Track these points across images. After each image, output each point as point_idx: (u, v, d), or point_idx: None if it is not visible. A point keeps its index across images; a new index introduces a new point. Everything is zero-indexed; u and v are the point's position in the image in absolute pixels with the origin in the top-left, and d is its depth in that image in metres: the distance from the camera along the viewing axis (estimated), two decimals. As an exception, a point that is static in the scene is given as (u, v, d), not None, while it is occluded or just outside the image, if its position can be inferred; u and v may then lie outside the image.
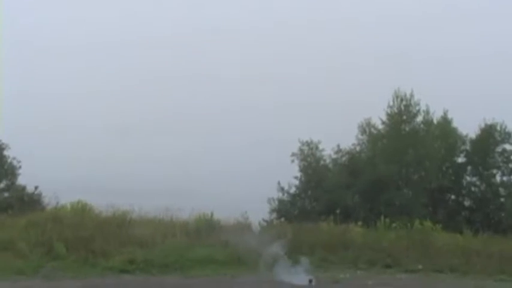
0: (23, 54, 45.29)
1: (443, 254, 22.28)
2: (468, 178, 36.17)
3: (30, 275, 18.24)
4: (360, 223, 26.43)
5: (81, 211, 24.60)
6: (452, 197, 36.29)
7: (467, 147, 36.29)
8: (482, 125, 35.64)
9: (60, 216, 23.07)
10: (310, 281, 18.03)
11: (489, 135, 35.59)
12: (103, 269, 19.23)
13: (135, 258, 19.86)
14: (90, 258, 19.71)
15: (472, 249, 22.70)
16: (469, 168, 36.10)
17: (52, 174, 33.47)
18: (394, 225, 25.81)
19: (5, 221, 22.48)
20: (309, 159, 35.38)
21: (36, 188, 29.94)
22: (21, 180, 31.25)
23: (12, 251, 19.57)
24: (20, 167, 31.57)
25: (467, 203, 36.12)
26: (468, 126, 35.86)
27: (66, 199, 25.96)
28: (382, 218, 26.32)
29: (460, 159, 36.43)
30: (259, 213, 30.62)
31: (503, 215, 34.15)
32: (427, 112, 35.29)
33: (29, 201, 29.10)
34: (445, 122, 36.30)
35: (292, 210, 34.12)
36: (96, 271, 19.06)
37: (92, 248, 20.19)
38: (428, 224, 26.19)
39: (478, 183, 35.84)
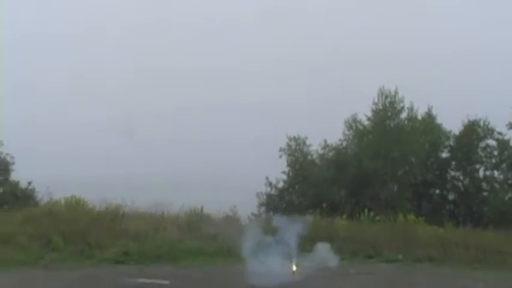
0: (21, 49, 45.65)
1: (423, 245, 23.17)
2: (452, 173, 36.90)
3: (30, 265, 19.17)
4: (345, 216, 27.30)
5: (75, 206, 25.32)
6: (437, 191, 37.02)
7: (451, 142, 37.04)
8: (466, 121, 36.45)
9: (55, 211, 23.86)
10: (295, 268, 18.89)
11: (472, 131, 36.29)
12: (99, 260, 20.12)
13: (129, 250, 20.73)
14: (86, 250, 20.63)
15: (451, 240, 23.57)
16: (453, 163, 36.84)
17: (44, 170, 34.03)
18: (377, 218, 26.69)
19: (1, 216, 23.19)
20: (296, 154, 36.02)
21: (29, 183, 30.12)
22: (14, 176, 31.65)
23: (12, 243, 20.42)
24: (13, 163, 31.88)
25: (451, 197, 36.82)
26: (452, 123, 36.74)
27: (59, 194, 26.64)
28: (366, 211, 27.19)
29: (444, 155, 37.14)
30: (248, 207, 31.43)
31: (485, 208, 34.71)
32: (411, 109, 36.07)
33: (22, 197, 29.53)
34: (430, 118, 37.07)
35: (280, 204, 34.81)
36: (93, 262, 19.95)
37: (87, 241, 21.10)
38: (411, 217, 27.06)
39: (461, 177, 36.57)
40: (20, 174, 30.93)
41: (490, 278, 20.02)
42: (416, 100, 36.10)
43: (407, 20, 49.99)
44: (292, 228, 19.78)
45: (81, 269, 19.06)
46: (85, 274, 18.46)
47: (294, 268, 18.98)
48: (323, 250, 20.17)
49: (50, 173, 33.77)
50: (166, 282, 17.59)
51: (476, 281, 19.52)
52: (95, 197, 25.63)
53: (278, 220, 21.19)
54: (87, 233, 21.58)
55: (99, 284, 17.72)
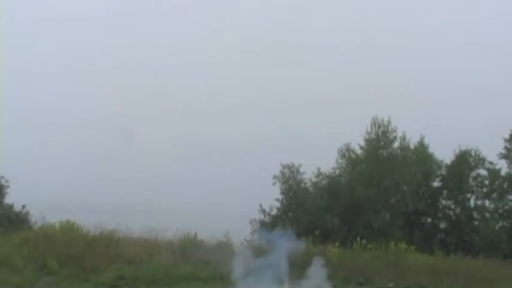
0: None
1: (414, 273, 23.54)
2: (443, 202, 37.09)
3: (27, 288, 19.42)
4: (337, 244, 27.55)
5: (70, 230, 25.55)
6: (428, 220, 37.21)
7: (443, 172, 37.33)
8: (457, 151, 36.80)
9: (50, 235, 24.09)
10: None
11: (464, 160, 36.56)
12: (94, 284, 20.43)
13: (124, 274, 21.02)
14: (82, 274, 20.88)
15: (441, 268, 23.97)
16: (444, 192, 37.08)
17: (38, 195, 34.07)
18: (369, 246, 26.97)
19: (-3, 238, 23.47)
20: (290, 182, 36.21)
21: (23, 206, 30.17)
22: (8, 199, 31.42)
23: (8, 266, 20.65)
24: (8, 186, 31.95)
25: (442, 225, 37.02)
26: (444, 152, 37.06)
27: (53, 219, 26.85)
28: (358, 239, 27.45)
29: (436, 184, 37.37)
30: (241, 234, 31.59)
31: (476, 237, 34.92)
32: (404, 138, 36.40)
33: (16, 220, 29.60)
34: (422, 147, 37.34)
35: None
36: (88, 286, 20.24)
37: (82, 265, 21.34)
38: (402, 245, 27.37)
39: (452, 206, 36.79)
40: (14, 198, 31.08)
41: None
42: (409, 130, 36.53)
43: (399, 54, 50.52)
44: (284, 251, 19.90)
45: (77, 293, 19.31)
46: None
47: None
48: (316, 276, 20.30)
49: (44, 197, 33.77)
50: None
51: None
52: (89, 222, 25.87)
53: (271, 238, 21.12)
54: (82, 257, 21.85)
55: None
